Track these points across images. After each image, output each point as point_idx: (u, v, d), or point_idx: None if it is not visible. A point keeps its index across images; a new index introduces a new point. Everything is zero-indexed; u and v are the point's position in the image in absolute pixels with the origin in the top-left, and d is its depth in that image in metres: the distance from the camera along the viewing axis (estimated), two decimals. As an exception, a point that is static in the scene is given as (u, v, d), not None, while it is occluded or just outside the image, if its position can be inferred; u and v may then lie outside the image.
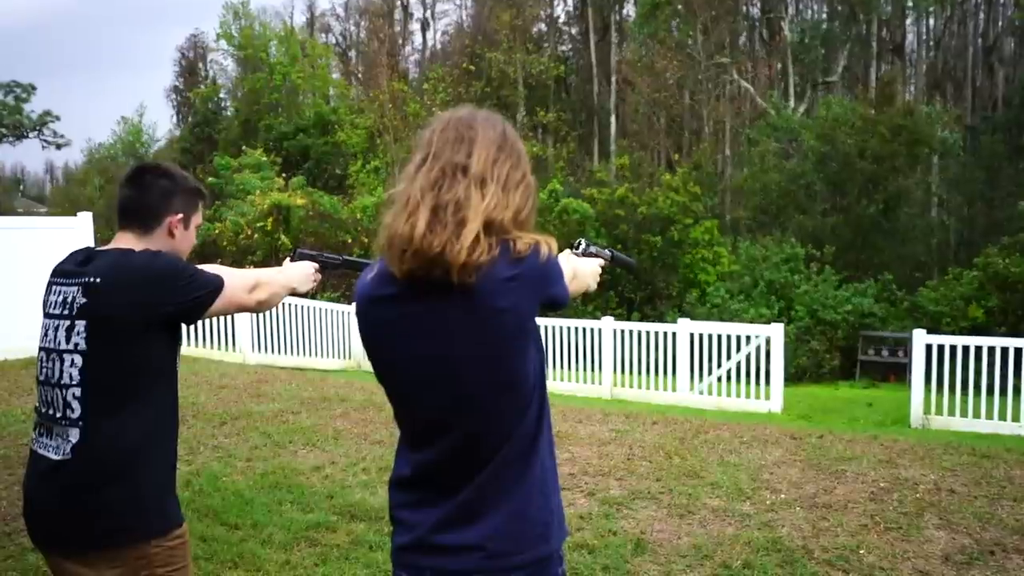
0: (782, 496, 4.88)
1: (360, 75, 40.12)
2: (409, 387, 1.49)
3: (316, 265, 2.29)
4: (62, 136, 40.80)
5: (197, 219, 2.11)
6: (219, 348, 11.07)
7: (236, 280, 2.03)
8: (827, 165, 25.37)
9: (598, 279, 2.05)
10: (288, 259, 2.31)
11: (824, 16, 36.55)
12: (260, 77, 32.75)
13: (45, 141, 39.87)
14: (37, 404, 1.97)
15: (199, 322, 11.27)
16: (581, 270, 1.97)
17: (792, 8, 36.83)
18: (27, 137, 39.80)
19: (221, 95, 36.57)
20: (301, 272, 2.25)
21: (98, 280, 1.87)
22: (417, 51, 43.46)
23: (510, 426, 1.45)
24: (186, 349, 10.75)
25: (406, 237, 1.39)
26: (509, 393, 1.44)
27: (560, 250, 1.59)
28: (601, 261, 2.08)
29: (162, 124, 64.19)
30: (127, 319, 1.86)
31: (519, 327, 1.43)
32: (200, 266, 2.03)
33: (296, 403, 7.38)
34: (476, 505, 1.45)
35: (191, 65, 40.00)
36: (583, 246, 2.05)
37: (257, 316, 11.12)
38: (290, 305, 11.47)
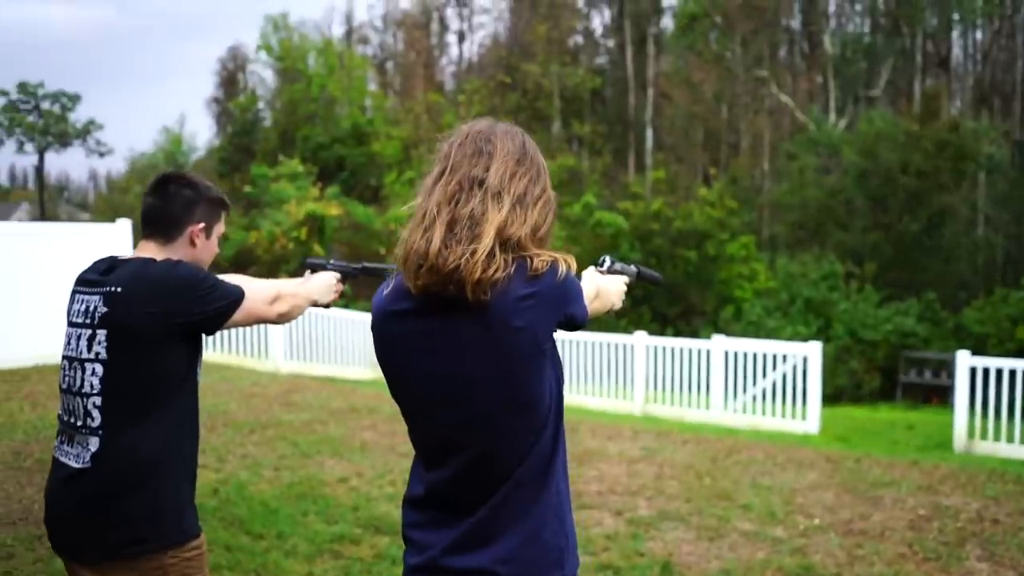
0: (816, 521, 4.74)
1: (397, 86, 40.48)
2: (422, 404, 1.46)
3: (338, 276, 2.26)
4: (105, 145, 41.88)
5: (220, 229, 2.10)
6: (252, 356, 11.16)
7: (257, 292, 2.02)
8: (868, 181, 24.96)
9: (623, 297, 1.99)
10: (307, 271, 2.28)
11: (867, 29, 36.05)
12: (298, 88, 33.24)
13: (89, 149, 40.93)
14: (60, 412, 1.97)
15: (232, 330, 11.35)
16: (605, 288, 1.91)
17: (834, 21, 36.39)
18: (72, 145, 40.89)
19: (260, 106, 37.14)
20: (323, 284, 2.23)
21: (119, 289, 1.87)
22: (453, 63, 43.78)
23: (525, 447, 1.41)
24: (219, 357, 10.84)
25: (422, 252, 1.36)
26: (524, 413, 1.40)
27: (583, 267, 1.53)
28: (627, 278, 2.01)
29: (202, 134, 65.59)
30: (146, 329, 1.86)
31: (535, 347, 1.38)
32: (222, 276, 2.01)
33: (325, 413, 7.38)
34: (488, 527, 1.41)
35: (231, 76, 40.71)
36: (607, 263, 1.98)
37: (290, 325, 11.19)
38: (322, 315, 11.52)
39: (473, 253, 1.33)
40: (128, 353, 1.86)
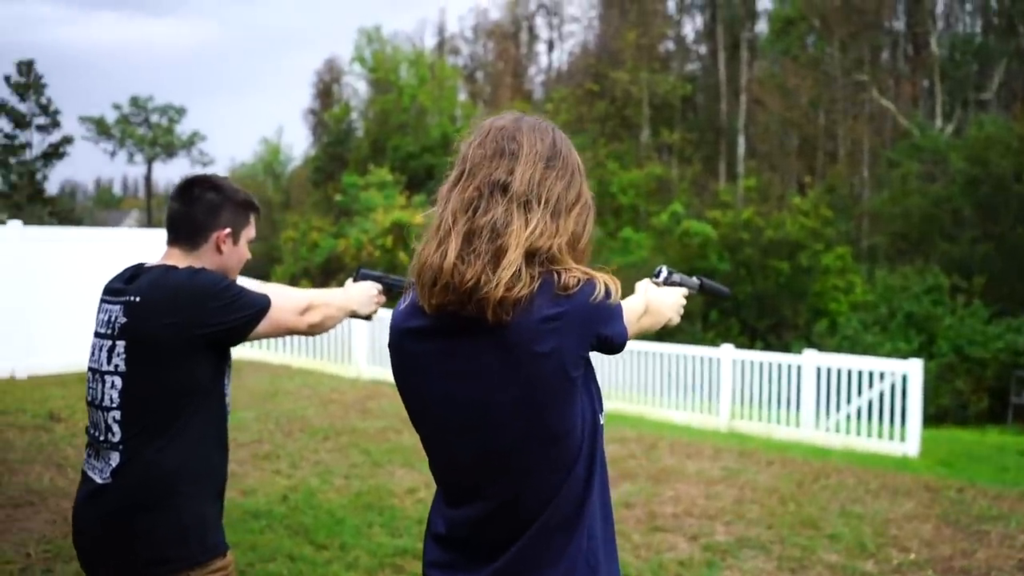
0: (911, 556, 4.37)
1: (486, 96, 40.80)
2: (441, 434, 1.32)
3: (379, 287, 2.16)
4: (208, 155, 43.96)
5: (249, 233, 2.00)
6: (335, 361, 11.31)
7: (286, 301, 1.92)
8: (977, 189, 23.54)
9: (681, 311, 1.80)
10: (351, 280, 2.18)
11: (978, 29, 34.11)
12: (389, 99, 33.96)
13: (193, 159, 43.04)
14: (88, 425, 1.93)
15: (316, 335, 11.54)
16: (658, 302, 1.73)
17: (942, 22, 34.57)
18: (177, 156, 43.11)
19: (353, 116, 38.11)
20: (362, 294, 2.12)
21: (137, 299, 1.80)
22: (542, 72, 43.82)
23: (553, 486, 1.24)
24: (303, 362, 11.05)
25: (436, 267, 1.22)
26: (551, 448, 1.23)
27: (623, 295, 1.35)
28: (685, 291, 1.83)
29: (299, 144, 68.10)
30: (165, 340, 1.78)
31: (562, 374, 1.21)
32: (253, 284, 1.93)
33: (399, 421, 7.35)
34: None
35: (327, 88, 41.88)
36: (664, 274, 1.81)
37: (375, 330, 11.28)
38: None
39: (495, 269, 1.18)
40: (147, 365, 1.78)
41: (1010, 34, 32.00)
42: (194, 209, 1.92)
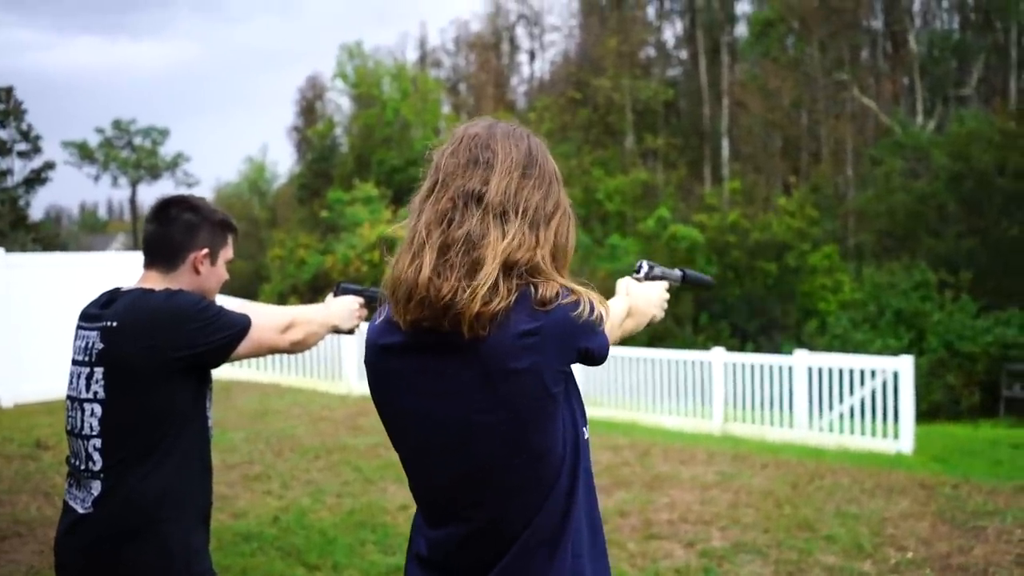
0: (909, 555, 4.35)
1: (470, 107, 40.84)
2: (417, 451, 1.28)
3: (361, 300, 2.13)
4: (193, 176, 43.89)
5: (227, 254, 1.98)
6: (325, 379, 11.23)
7: (266, 320, 1.89)
8: (961, 184, 23.72)
9: (665, 306, 1.77)
10: (331, 295, 2.15)
11: (955, 26, 34.45)
12: (372, 113, 33.97)
13: (178, 181, 42.94)
14: (69, 454, 1.88)
15: (305, 352, 11.49)
16: (641, 300, 1.69)
17: (919, 20, 34.90)
18: (162, 177, 43.05)
19: (337, 132, 38.10)
20: (343, 308, 2.10)
21: (114, 324, 1.77)
22: (525, 82, 43.92)
23: (535, 504, 1.21)
24: (292, 380, 10.97)
25: (411, 282, 1.18)
26: (531, 466, 1.20)
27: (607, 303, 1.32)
28: (667, 284, 1.79)
29: (284, 162, 67.99)
30: (143, 364, 1.74)
31: (542, 390, 1.17)
32: (233, 304, 1.90)
33: (391, 436, 7.30)
34: None
35: (310, 104, 41.82)
36: (645, 269, 1.77)
37: (363, 344, 11.22)
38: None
39: (471, 283, 1.14)
40: (127, 391, 1.75)
41: (987, 29, 32.36)
42: (171, 230, 1.89)
